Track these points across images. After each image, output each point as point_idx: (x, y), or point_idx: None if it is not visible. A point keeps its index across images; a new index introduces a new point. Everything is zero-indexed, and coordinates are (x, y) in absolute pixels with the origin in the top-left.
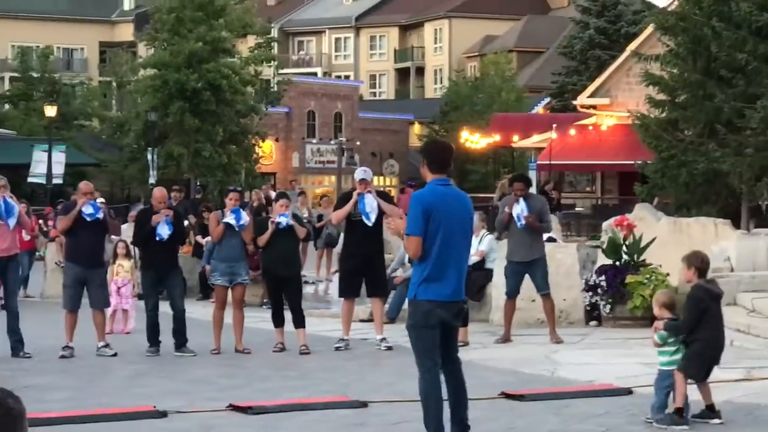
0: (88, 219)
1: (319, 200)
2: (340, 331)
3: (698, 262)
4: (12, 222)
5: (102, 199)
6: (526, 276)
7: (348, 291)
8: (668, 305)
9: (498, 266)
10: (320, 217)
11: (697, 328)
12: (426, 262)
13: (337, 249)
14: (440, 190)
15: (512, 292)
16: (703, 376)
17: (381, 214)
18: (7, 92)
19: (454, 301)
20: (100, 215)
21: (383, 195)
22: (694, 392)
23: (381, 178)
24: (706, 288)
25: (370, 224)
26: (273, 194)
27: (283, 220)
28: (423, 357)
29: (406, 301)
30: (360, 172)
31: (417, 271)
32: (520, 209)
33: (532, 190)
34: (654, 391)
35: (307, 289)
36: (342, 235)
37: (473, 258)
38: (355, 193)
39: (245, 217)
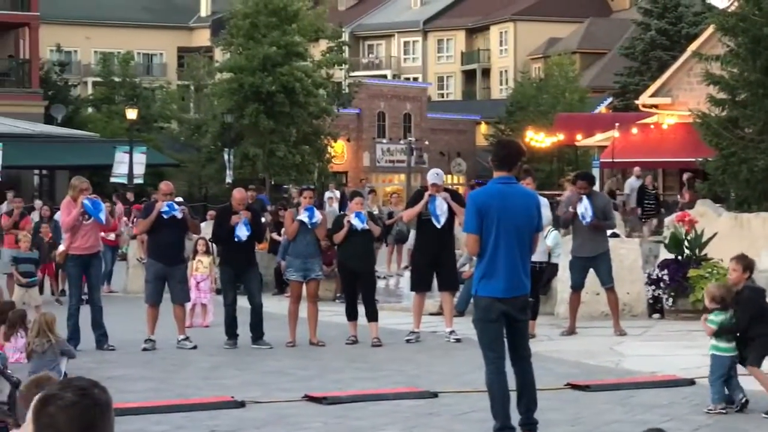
0: (165, 216)
1: (389, 197)
2: (410, 324)
3: (749, 265)
4: (102, 217)
5: (180, 198)
6: (591, 270)
7: (419, 285)
8: (718, 298)
9: (563, 261)
10: (390, 215)
11: (754, 324)
12: (483, 259)
13: (408, 245)
14: (498, 188)
15: (577, 286)
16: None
17: (452, 215)
18: (91, 96)
19: (514, 297)
20: (178, 213)
21: (454, 195)
22: (750, 384)
23: (449, 176)
24: (757, 288)
25: (438, 226)
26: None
27: (358, 224)
28: (487, 349)
29: None
30: (432, 175)
31: (477, 267)
32: (584, 207)
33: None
34: (709, 383)
35: (379, 284)
36: (413, 233)
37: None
38: (426, 194)
39: (318, 215)
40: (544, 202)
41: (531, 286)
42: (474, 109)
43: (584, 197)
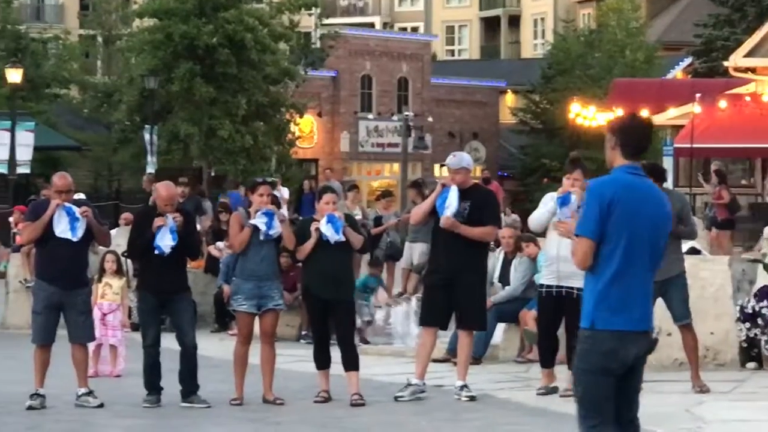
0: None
1: (377, 197)
2: (404, 375)
3: None
4: None
5: (81, 196)
6: (660, 301)
7: (431, 317)
8: None
9: None
10: (378, 220)
11: None
12: (602, 276)
13: (404, 262)
14: (629, 180)
15: None
16: None
17: (472, 218)
18: None
19: (644, 331)
20: (80, 224)
21: (487, 194)
22: None
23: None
24: None
25: (451, 214)
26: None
27: (331, 235)
28: (591, 412)
29: (498, 333)
30: (457, 159)
31: (591, 287)
32: None
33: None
34: None
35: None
36: (407, 244)
37: None
38: (439, 185)
39: (278, 224)
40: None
41: (577, 322)
42: (497, 73)
43: None
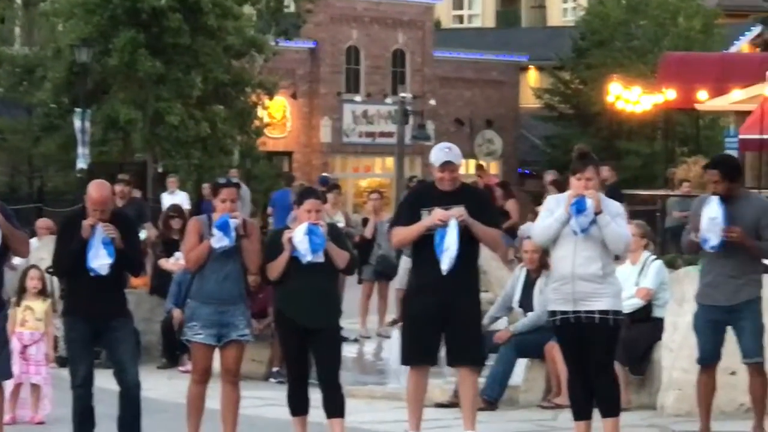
0: None
1: (367, 198)
2: (399, 423)
3: None
4: None
5: None
6: (729, 331)
7: (415, 354)
8: None
9: (673, 314)
10: (366, 223)
11: None
12: None
13: (399, 282)
14: None
15: (708, 358)
16: None
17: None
18: None
19: None
20: None
21: (481, 195)
22: None
23: (471, 162)
24: None
25: (445, 270)
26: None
27: (306, 253)
28: None
29: (518, 373)
30: (442, 153)
31: None
32: (711, 215)
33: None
34: None
35: (348, 351)
36: (404, 258)
37: (632, 301)
38: (438, 218)
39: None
40: (616, 210)
41: (604, 356)
42: (517, 45)
43: (714, 200)
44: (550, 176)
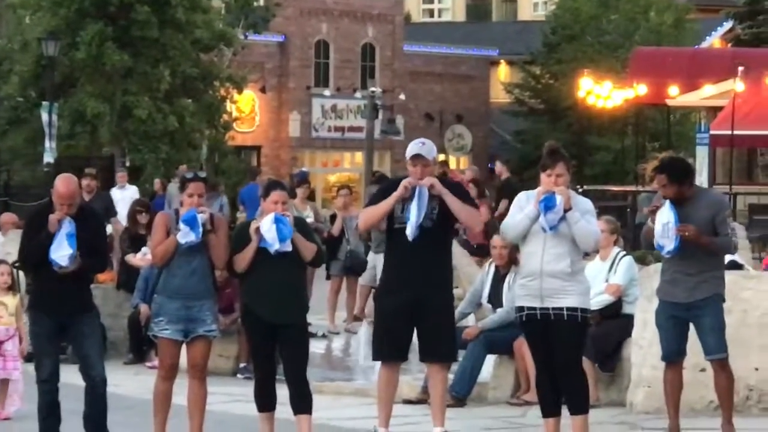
0: None
1: (336, 193)
2: (368, 420)
3: None
4: None
5: None
6: (692, 327)
7: (387, 349)
8: None
9: (643, 310)
10: (334, 219)
11: None
12: None
13: (367, 278)
14: None
15: (672, 354)
16: None
17: (444, 220)
18: None
19: None
20: None
21: (455, 188)
22: None
23: (441, 157)
24: None
25: (410, 238)
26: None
27: (273, 242)
28: None
29: (487, 369)
30: (415, 146)
31: None
32: (665, 217)
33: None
34: None
35: (315, 347)
36: (372, 255)
37: (602, 297)
38: (404, 183)
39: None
40: (586, 207)
41: (571, 353)
42: (487, 39)
43: (666, 203)
44: (469, 173)
